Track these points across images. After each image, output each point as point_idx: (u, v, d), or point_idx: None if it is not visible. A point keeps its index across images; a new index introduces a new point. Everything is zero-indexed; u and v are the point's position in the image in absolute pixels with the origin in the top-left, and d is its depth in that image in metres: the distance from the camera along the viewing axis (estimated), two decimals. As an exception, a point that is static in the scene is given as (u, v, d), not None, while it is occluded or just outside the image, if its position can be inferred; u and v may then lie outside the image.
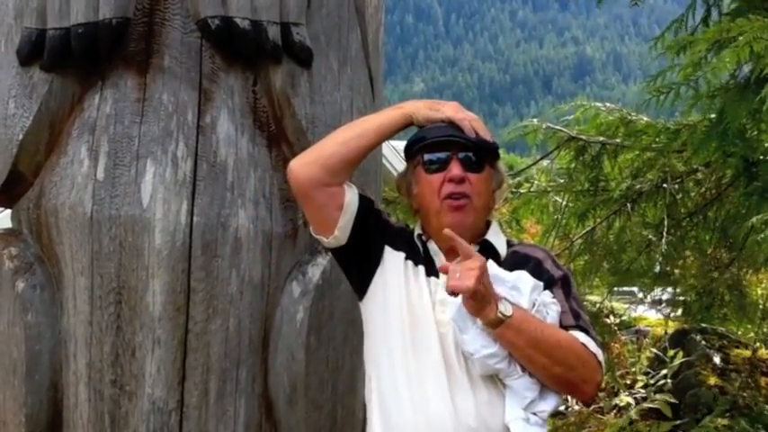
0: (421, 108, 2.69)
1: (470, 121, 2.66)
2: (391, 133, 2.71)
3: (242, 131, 3.25)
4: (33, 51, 3.18)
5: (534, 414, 2.50)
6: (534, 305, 2.52)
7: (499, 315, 2.42)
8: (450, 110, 2.68)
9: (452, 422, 2.47)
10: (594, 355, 2.54)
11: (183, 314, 3.09)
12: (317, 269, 3.25)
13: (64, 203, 3.16)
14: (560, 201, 7.04)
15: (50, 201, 3.19)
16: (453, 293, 2.42)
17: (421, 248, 2.70)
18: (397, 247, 2.71)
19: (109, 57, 3.21)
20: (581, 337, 2.55)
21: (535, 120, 6.91)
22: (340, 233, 2.67)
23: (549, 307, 2.56)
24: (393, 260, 2.69)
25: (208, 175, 3.16)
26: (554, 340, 2.49)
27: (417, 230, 2.74)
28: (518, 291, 2.50)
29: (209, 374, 3.12)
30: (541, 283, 2.58)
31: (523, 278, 2.55)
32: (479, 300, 2.41)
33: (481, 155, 2.67)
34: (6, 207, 3.47)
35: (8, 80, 3.24)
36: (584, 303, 7.14)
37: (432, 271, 2.66)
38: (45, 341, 3.17)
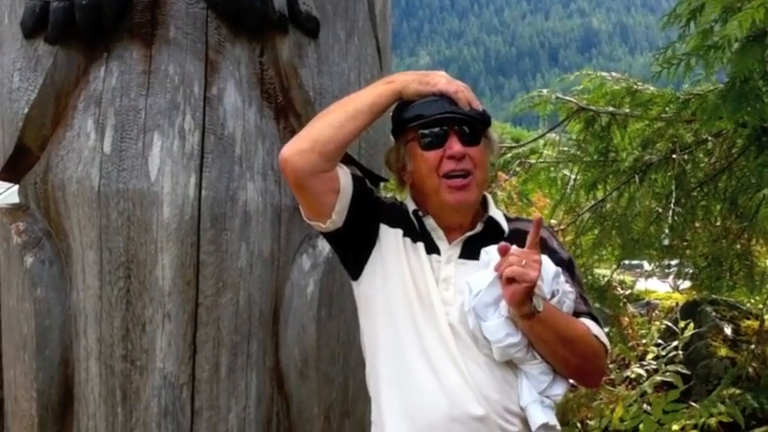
0: (411, 82, 2.59)
1: (462, 91, 2.59)
2: (383, 111, 2.61)
3: (249, 103, 3.22)
4: (37, 24, 3.15)
5: (548, 397, 2.52)
6: (554, 295, 2.50)
7: (533, 309, 2.40)
8: (441, 83, 2.59)
9: (474, 395, 2.45)
10: (604, 345, 2.56)
11: (192, 288, 3.08)
12: (326, 242, 3.22)
13: (71, 178, 3.14)
14: (569, 173, 7.00)
15: (57, 175, 3.17)
16: (510, 280, 2.38)
17: (417, 224, 2.64)
18: (393, 225, 2.64)
19: (114, 28, 3.18)
20: (593, 327, 2.55)
21: (545, 90, 6.85)
22: (337, 217, 2.58)
23: (567, 295, 2.54)
24: (390, 238, 2.63)
25: (215, 148, 3.14)
26: (574, 334, 2.49)
27: (411, 205, 2.67)
28: (541, 279, 2.45)
29: (219, 348, 3.11)
30: (560, 270, 2.54)
31: (545, 265, 2.48)
32: (526, 295, 2.38)
33: (477, 126, 2.61)
34: (13, 182, 3.45)
35: (12, 53, 3.22)
36: (594, 276, 7.15)
37: (431, 248, 2.61)
38: (55, 316, 3.16)
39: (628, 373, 8.38)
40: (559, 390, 2.54)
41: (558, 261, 2.58)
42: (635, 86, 6.12)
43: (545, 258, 2.50)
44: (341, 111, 2.56)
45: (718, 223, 6.72)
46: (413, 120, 2.58)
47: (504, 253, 2.42)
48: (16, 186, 3.43)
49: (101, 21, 3.13)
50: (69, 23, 3.11)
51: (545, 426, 2.47)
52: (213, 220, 3.10)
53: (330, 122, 2.54)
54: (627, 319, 8.96)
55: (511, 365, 2.51)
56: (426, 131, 2.56)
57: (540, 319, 2.41)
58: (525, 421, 2.49)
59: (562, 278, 2.54)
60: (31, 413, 3.15)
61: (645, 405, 7.39)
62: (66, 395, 3.16)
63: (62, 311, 3.16)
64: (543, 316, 2.41)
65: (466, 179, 2.55)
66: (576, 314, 2.55)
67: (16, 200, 3.42)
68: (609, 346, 2.61)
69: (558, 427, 2.54)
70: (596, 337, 2.53)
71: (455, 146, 2.54)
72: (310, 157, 2.49)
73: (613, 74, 6.55)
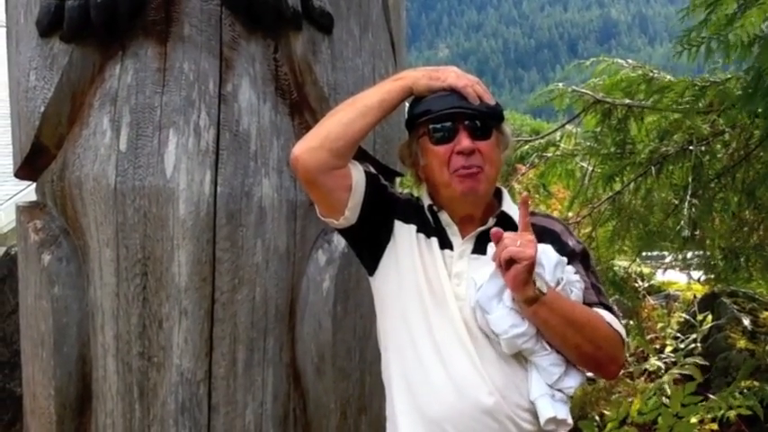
0: (420, 78, 2.60)
1: (472, 86, 2.59)
2: (393, 108, 2.63)
3: (264, 99, 3.23)
4: (53, 22, 3.16)
5: (560, 391, 2.48)
6: (559, 283, 2.47)
7: (537, 292, 2.38)
8: (451, 77, 2.59)
9: (486, 389, 2.44)
10: (619, 333, 2.52)
11: (209, 284, 3.09)
12: (342, 237, 3.22)
13: (87, 175, 3.15)
14: (586, 165, 6.98)
15: (74, 173, 3.19)
16: (510, 261, 2.36)
17: (432, 220, 2.64)
18: (407, 220, 2.64)
19: (129, 26, 3.19)
20: (606, 315, 2.52)
21: (561, 84, 6.83)
22: (350, 214, 2.60)
23: (573, 284, 2.51)
24: (404, 234, 2.63)
25: (231, 145, 3.15)
26: (584, 318, 2.46)
27: (427, 201, 2.67)
28: (542, 267, 2.44)
29: (236, 345, 3.11)
30: (565, 259, 2.53)
31: (547, 253, 2.48)
32: (528, 274, 2.37)
33: (487, 121, 2.60)
34: (30, 180, 3.47)
35: (28, 52, 3.23)
36: (612, 269, 7.11)
37: (445, 243, 2.61)
38: (72, 314, 3.18)
39: (646, 365, 8.35)
40: (572, 382, 2.50)
41: (569, 253, 2.57)
42: (651, 74, 6.09)
43: (548, 247, 2.49)
44: (350, 108, 2.59)
45: (735, 214, 6.68)
46: (422, 115, 2.59)
47: (497, 239, 2.42)
48: (34, 184, 3.45)
49: (116, 19, 3.14)
50: (84, 22, 3.12)
51: (554, 420, 2.44)
52: (229, 216, 3.11)
53: (339, 120, 2.56)
54: (646, 311, 8.94)
55: (523, 362, 2.50)
56: (437, 126, 2.56)
57: (544, 302, 2.39)
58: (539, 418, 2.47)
59: (569, 267, 2.53)
60: (49, 410, 3.17)
61: (663, 398, 7.37)
62: (84, 392, 3.18)
63: (79, 309, 3.18)
64: (548, 300, 2.39)
65: (473, 169, 2.55)
66: (589, 305, 2.52)
67: (34, 198, 3.45)
68: (625, 336, 2.56)
69: (570, 420, 2.49)
70: (609, 324, 2.50)
71: (464, 141, 2.54)
72: (320, 155, 2.52)
73: (629, 61, 6.52)
